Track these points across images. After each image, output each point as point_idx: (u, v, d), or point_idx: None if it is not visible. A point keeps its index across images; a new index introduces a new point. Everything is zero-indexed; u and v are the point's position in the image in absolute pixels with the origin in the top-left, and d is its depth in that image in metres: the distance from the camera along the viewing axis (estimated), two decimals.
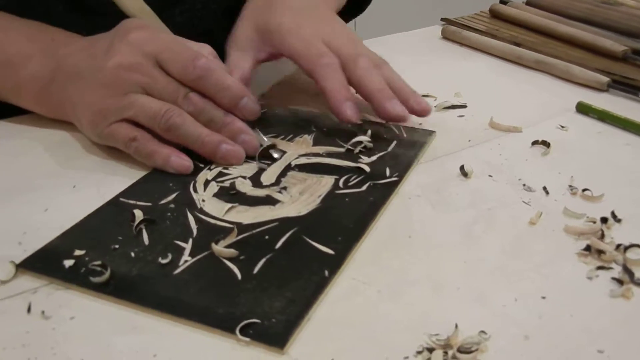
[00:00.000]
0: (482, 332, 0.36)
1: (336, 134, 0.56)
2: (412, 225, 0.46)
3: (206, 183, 0.49)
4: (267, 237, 0.43)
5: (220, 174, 0.50)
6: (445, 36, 0.80)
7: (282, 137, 0.56)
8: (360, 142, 0.53)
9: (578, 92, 0.66)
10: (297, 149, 0.54)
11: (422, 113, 0.56)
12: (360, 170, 0.51)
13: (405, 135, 0.56)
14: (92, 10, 0.64)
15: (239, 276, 0.40)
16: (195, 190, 0.48)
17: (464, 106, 0.62)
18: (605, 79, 0.66)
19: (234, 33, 0.61)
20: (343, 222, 0.45)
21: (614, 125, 0.59)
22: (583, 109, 0.61)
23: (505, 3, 0.88)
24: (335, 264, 0.41)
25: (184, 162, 0.50)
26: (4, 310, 0.38)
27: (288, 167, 0.51)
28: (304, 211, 0.46)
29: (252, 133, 0.53)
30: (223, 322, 0.36)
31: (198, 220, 0.45)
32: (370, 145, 0.54)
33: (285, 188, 0.49)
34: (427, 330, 0.37)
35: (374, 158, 0.52)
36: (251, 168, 0.51)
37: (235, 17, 0.66)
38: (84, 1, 0.64)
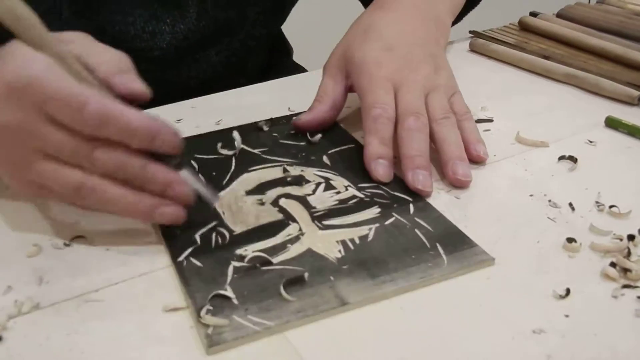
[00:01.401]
0: None
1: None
2: None
3: None
4: None
5: None
6: (473, 49, 0.80)
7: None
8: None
9: (608, 106, 0.65)
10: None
11: (456, 183, 0.52)
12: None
13: None
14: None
15: None
16: None
17: (490, 120, 0.62)
18: (636, 92, 0.65)
19: (330, 56, 0.61)
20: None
21: None
22: (612, 123, 0.60)
23: (535, 15, 0.87)
24: None
25: (172, 211, 0.44)
26: None
27: None
28: None
29: (180, 180, 0.44)
30: None
31: None
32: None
33: None
34: (450, 344, 0.37)
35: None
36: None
37: (271, 49, 0.65)
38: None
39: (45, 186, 0.43)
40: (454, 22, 0.74)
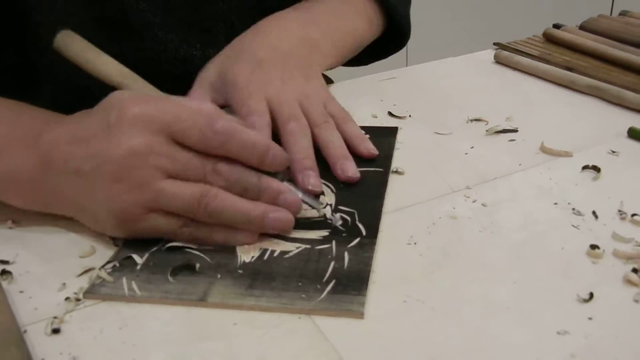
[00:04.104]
0: None
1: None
2: (464, 246, 0.48)
3: None
4: None
5: None
6: (498, 61, 0.82)
7: None
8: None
9: (631, 117, 0.67)
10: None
11: (347, 180, 0.55)
12: None
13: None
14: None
15: None
16: None
17: (515, 130, 0.64)
18: None
19: (201, 72, 0.63)
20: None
21: None
22: (635, 134, 0.62)
23: (558, 27, 0.89)
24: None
25: (284, 215, 0.48)
26: None
27: None
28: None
29: (290, 189, 0.49)
30: None
31: None
32: None
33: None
34: (479, 348, 0.39)
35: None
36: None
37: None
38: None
39: (160, 206, 0.45)
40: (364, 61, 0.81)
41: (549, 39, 0.87)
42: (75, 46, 0.57)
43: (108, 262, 0.46)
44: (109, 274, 0.45)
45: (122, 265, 0.46)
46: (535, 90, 0.75)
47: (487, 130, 0.64)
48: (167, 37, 0.70)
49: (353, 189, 0.55)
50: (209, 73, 0.63)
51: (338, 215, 0.51)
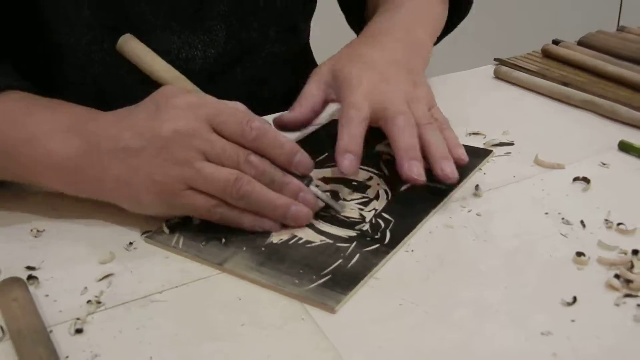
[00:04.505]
0: None
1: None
2: (459, 253, 0.51)
3: None
4: None
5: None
6: (498, 76, 0.85)
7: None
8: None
9: (623, 131, 0.70)
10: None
11: (444, 179, 0.57)
12: None
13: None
14: None
15: None
16: None
17: (511, 144, 0.67)
18: None
19: (316, 70, 0.67)
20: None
21: None
22: (625, 147, 0.65)
23: (557, 43, 0.92)
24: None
25: (304, 210, 0.53)
26: None
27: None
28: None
29: (309, 191, 0.54)
30: None
31: None
32: None
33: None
34: (467, 348, 0.42)
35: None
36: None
37: (291, 64, 0.72)
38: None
39: (197, 184, 0.51)
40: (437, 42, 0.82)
41: (547, 54, 0.90)
42: (135, 48, 0.66)
43: (172, 219, 0.54)
44: (169, 227, 0.53)
45: (181, 223, 0.54)
46: (532, 105, 0.78)
47: (484, 144, 0.67)
48: (170, 39, 0.73)
49: (408, 199, 0.58)
50: (323, 70, 0.66)
51: (340, 202, 0.57)
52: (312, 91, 0.65)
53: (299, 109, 0.64)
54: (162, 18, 0.72)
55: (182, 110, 0.52)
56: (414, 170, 0.55)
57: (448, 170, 0.57)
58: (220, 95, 0.56)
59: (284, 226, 0.54)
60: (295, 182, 0.54)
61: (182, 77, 0.65)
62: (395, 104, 0.60)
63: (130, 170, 0.51)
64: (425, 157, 0.58)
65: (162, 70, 0.65)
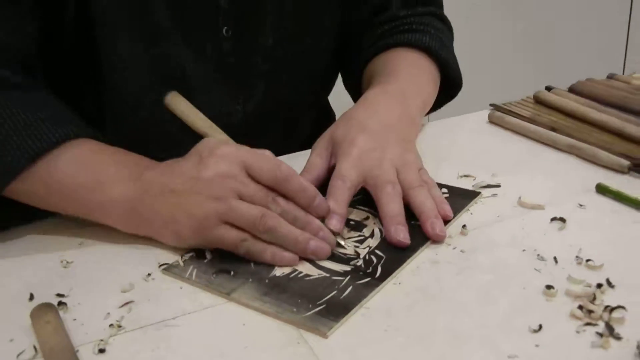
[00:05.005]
0: None
1: None
2: (441, 286, 0.57)
3: None
4: None
5: None
6: (492, 121, 0.91)
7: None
8: None
9: (603, 174, 0.75)
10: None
11: (435, 238, 0.63)
12: None
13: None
14: None
15: None
16: None
17: (498, 186, 0.73)
18: (626, 162, 0.75)
19: (318, 140, 0.73)
20: None
21: (628, 205, 0.68)
22: (601, 189, 0.71)
23: (549, 90, 0.98)
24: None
25: (322, 245, 0.60)
26: None
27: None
28: None
29: (327, 230, 0.62)
30: None
31: None
32: None
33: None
34: None
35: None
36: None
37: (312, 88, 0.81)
38: None
39: (229, 218, 0.59)
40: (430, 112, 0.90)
41: (538, 100, 0.96)
42: (180, 104, 0.77)
43: (187, 253, 0.62)
44: (184, 262, 0.60)
45: (194, 257, 0.61)
46: (521, 149, 0.84)
47: (473, 185, 0.73)
48: (212, 93, 0.81)
49: None
50: (324, 140, 0.72)
51: (345, 243, 0.63)
52: (316, 163, 0.71)
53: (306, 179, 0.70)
54: (211, 78, 0.81)
55: (222, 158, 0.61)
56: (400, 235, 0.62)
57: (437, 229, 0.63)
58: (254, 146, 0.64)
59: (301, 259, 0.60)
60: (317, 222, 0.61)
61: (219, 129, 0.73)
62: (385, 172, 0.66)
63: (173, 208, 0.60)
64: (418, 215, 0.65)
65: (202, 123, 0.74)
